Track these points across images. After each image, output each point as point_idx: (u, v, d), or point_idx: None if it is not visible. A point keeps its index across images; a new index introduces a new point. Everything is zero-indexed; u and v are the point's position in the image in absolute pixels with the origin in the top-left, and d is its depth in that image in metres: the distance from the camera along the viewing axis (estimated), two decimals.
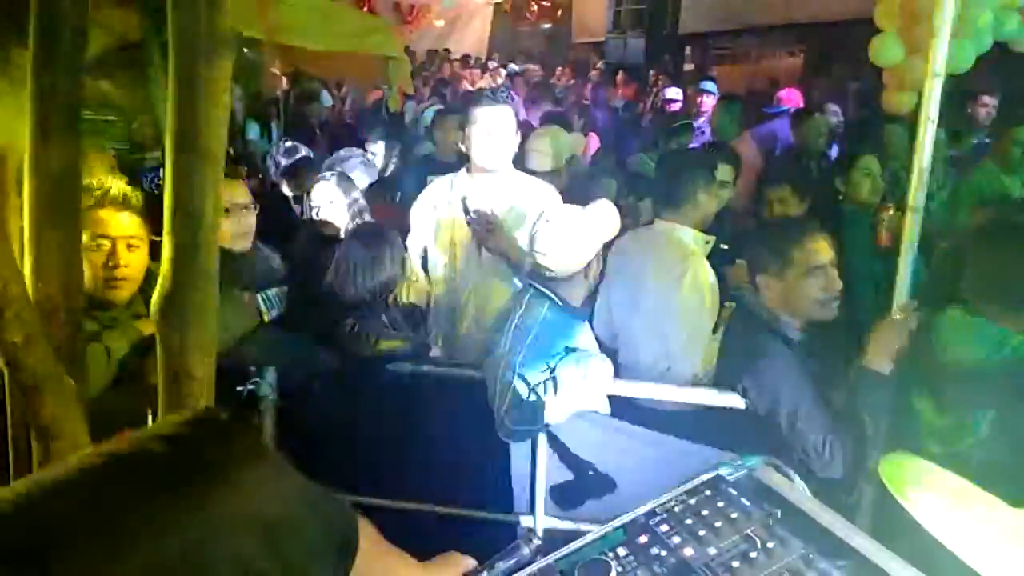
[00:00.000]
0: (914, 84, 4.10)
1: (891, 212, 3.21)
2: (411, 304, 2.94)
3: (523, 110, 7.45)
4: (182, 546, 0.63)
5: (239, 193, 2.69)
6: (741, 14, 11.95)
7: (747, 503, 1.23)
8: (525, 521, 2.42)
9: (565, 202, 2.76)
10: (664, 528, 1.21)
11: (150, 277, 2.00)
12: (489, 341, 2.43)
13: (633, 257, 2.75)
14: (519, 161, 3.34)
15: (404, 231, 2.98)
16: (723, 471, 1.30)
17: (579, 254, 2.29)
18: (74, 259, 1.38)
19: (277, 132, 6.62)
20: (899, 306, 2.19)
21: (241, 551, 0.67)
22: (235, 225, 2.62)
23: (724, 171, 2.82)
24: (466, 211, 2.85)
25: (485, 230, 2.80)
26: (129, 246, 2.01)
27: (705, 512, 1.23)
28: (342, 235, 3.29)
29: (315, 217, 3.51)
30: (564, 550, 1.19)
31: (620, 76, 9.82)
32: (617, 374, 2.37)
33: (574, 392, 2.19)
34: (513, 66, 12.69)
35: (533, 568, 1.15)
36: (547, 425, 2.25)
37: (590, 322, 2.57)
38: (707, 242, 2.75)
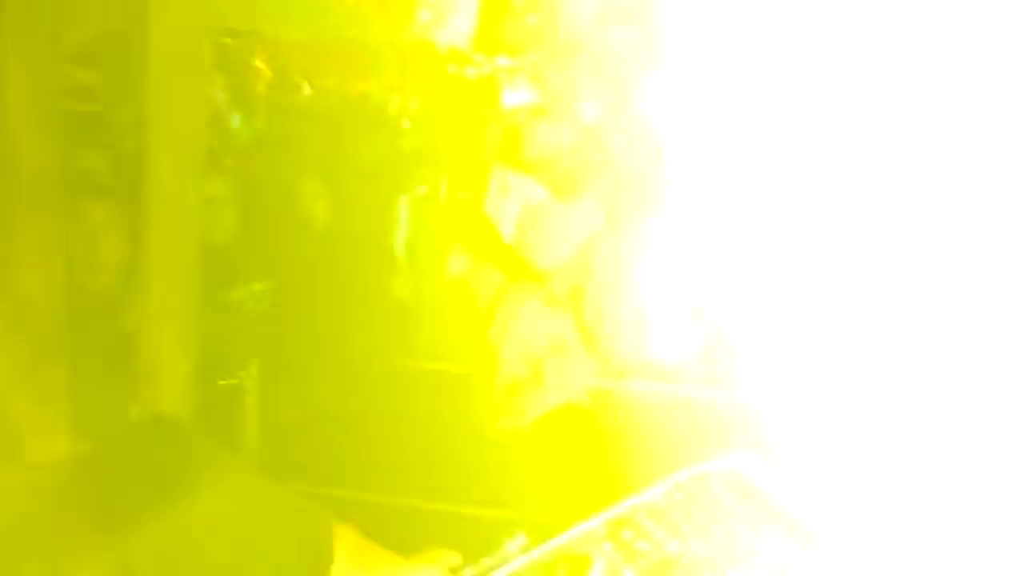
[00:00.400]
0: None
1: None
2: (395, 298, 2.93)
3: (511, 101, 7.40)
4: (146, 550, 0.62)
5: (219, 184, 2.66)
6: None
7: (732, 500, 1.23)
8: (508, 516, 2.41)
9: (553, 196, 2.77)
10: (648, 523, 1.21)
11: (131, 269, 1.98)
12: (474, 335, 2.43)
13: (609, 251, 2.75)
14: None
15: None
16: (708, 467, 1.30)
17: (564, 247, 2.30)
18: (54, 251, 1.36)
19: (260, 124, 6.56)
20: None
21: (206, 557, 0.66)
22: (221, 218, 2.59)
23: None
24: (452, 205, 2.84)
25: (471, 223, 2.79)
26: (107, 236, 1.98)
27: (690, 508, 1.22)
28: None
29: None
30: (547, 545, 1.19)
31: None
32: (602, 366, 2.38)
33: (557, 385, 2.19)
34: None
35: (516, 563, 1.14)
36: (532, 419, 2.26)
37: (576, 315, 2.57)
38: None
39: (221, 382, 2.25)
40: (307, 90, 8.05)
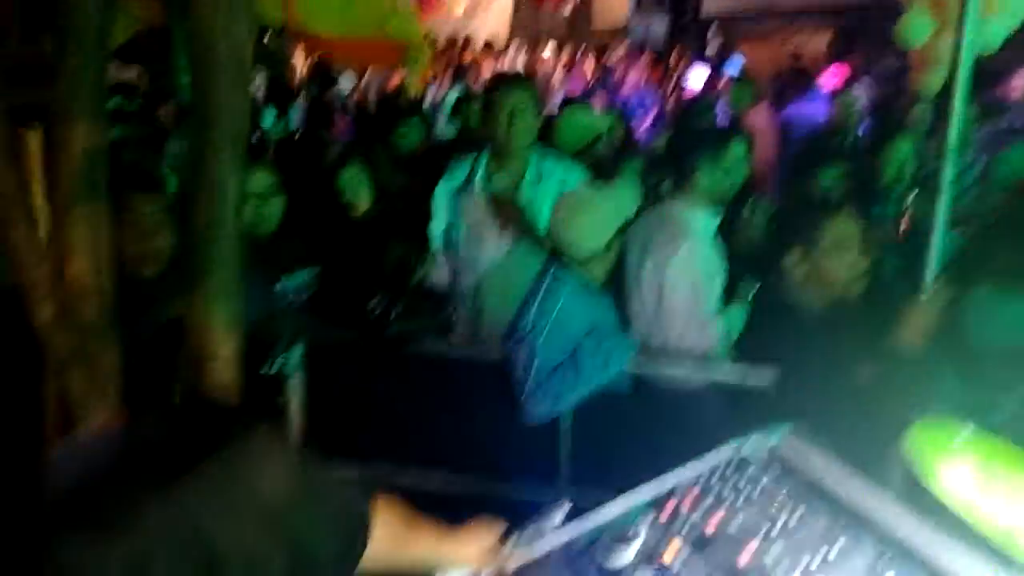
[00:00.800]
0: (943, 62, 4.02)
1: (914, 193, 3.20)
2: (434, 285, 2.96)
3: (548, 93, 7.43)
4: (186, 526, 0.64)
5: (263, 178, 2.70)
6: None
7: (770, 478, 1.23)
8: (552, 495, 2.43)
9: (589, 182, 2.76)
10: (687, 502, 1.22)
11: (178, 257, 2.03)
12: (512, 322, 2.44)
13: (638, 236, 2.75)
14: (544, 141, 3.34)
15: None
16: (746, 446, 1.30)
17: (600, 233, 2.30)
18: (103, 238, 1.41)
19: (297, 118, 6.65)
20: (929, 285, 2.17)
21: (245, 535, 0.68)
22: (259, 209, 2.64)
23: (736, 149, 2.78)
24: (488, 192, 2.86)
25: (508, 211, 2.80)
26: (156, 225, 2.04)
27: (728, 487, 1.23)
28: None
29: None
30: (590, 520, 1.20)
31: (643, 59, 9.75)
32: (637, 352, 2.39)
33: (594, 372, 2.20)
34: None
35: (562, 536, 1.16)
36: (569, 404, 2.27)
37: (613, 301, 2.57)
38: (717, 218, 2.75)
39: (265, 369, 2.30)
40: (345, 84, 8.10)
